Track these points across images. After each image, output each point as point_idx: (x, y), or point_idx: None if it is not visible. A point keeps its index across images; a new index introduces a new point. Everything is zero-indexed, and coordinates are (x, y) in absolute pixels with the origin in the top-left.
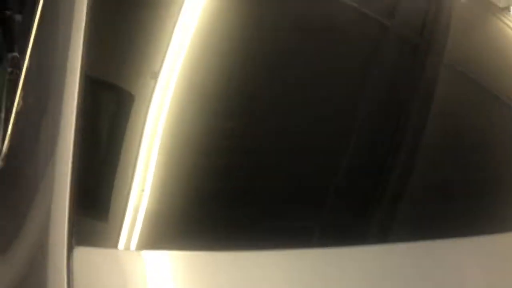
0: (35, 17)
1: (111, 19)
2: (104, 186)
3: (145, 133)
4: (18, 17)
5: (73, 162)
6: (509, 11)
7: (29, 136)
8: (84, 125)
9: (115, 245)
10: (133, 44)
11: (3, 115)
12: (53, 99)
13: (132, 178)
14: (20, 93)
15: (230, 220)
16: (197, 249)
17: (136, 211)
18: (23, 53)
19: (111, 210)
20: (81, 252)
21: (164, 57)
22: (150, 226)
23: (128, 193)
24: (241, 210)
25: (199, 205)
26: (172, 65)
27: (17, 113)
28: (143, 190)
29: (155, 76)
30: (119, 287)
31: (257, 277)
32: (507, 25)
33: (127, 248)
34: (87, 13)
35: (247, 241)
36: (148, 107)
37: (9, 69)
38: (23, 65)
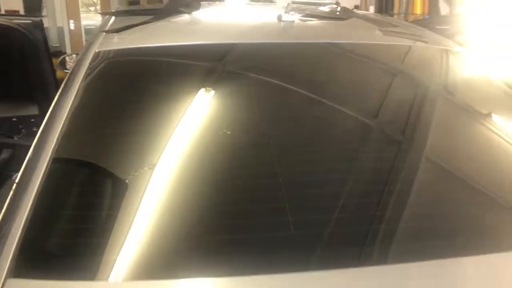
0: None
1: None
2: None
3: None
4: None
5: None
6: None
7: None
8: None
9: (45, 277)
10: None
11: None
12: None
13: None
14: None
15: None
16: (129, 279)
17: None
18: None
19: (50, 245)
20: (12, 284)
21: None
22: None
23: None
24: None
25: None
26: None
27: None
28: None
29: None
30: None
31: None
32: None
33: (57, 279)
34: None
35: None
36: None
37: None
38: None
